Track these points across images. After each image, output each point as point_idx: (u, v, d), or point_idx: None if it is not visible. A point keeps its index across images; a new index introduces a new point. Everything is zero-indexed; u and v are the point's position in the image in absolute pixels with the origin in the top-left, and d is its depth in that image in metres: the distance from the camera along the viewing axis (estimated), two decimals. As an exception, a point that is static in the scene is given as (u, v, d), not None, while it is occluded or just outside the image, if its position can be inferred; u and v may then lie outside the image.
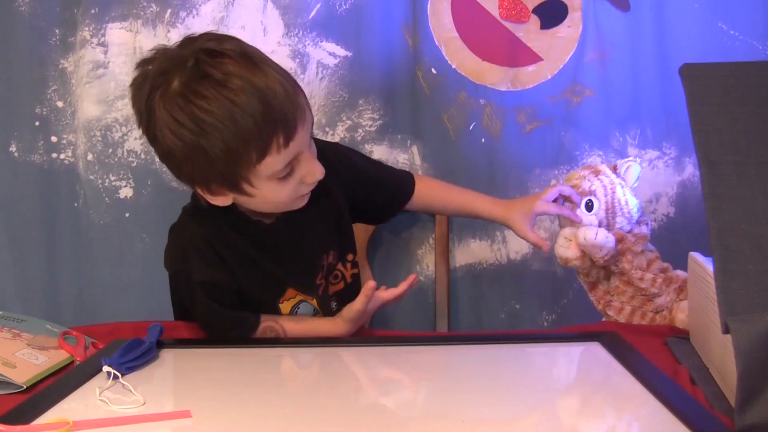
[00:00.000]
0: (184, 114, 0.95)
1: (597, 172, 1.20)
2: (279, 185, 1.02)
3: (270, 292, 1.15)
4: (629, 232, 1.19)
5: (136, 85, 1.02)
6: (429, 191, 1.32)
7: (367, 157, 1.38)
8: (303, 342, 1.09)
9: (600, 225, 1.19)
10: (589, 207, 1.19)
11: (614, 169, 1.22)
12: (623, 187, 1.20)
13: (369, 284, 1.08)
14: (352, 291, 1.17)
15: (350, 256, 1.23)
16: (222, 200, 1.05)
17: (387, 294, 1.11)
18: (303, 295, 1.16)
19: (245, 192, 1.02)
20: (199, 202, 1.10)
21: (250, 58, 0.96)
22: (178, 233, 1.14)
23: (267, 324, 1.12)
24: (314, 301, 1.18)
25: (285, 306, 1.16)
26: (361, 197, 1.24)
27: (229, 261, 1.10)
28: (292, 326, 1.13)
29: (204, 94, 0.94)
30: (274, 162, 0.98)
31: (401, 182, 1.30)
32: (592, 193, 1.19)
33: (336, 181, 1.17)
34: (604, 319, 1.23)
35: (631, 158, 1.26)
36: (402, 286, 1.12)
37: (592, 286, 1.23)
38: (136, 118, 1.04)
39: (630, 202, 1.20)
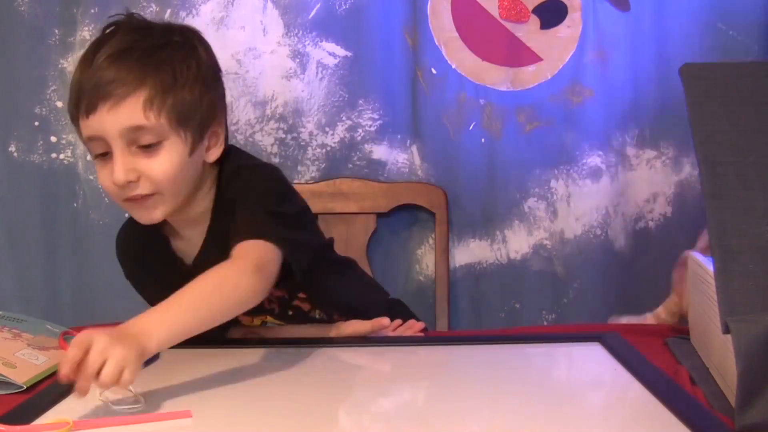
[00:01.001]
0: None
1: None
2: (99, 167, 0.98)
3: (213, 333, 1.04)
4: None
5: None
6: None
7: (255, 194, 1.03)
8: (303, 342, 1.09)
9: None
10: None
11: None
12: None
13: (382, 321, 1.08)
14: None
15: (302, 294, 1.14)
16: None
17: (362, 327, 1.10)
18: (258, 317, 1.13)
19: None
20: (130, 226, 1.10)
21: (109, 39, 0.97)
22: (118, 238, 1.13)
23: (251, 331, 1.12)
24: (270, 318, 1.15)
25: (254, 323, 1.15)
26: None
27: (148, 263, 1.08)
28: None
29: None
30: (82, 129, 0.97)
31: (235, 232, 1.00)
32: None
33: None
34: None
35: None
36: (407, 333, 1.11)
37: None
38: None
39: None
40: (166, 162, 0.96)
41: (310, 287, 1.12)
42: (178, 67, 0.97)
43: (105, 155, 0.96)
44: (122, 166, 0.94)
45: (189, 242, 1.07)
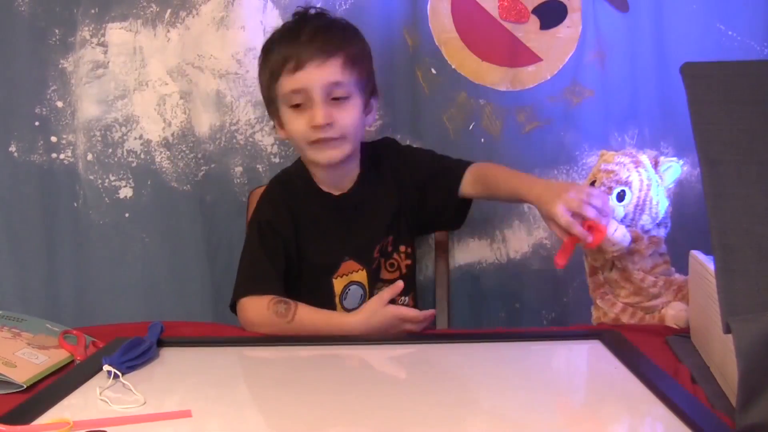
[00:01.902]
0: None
1: (637, 163, 1.18)
2: (293, 116, 1.24)
3: (328, 260, 1.28)
4: (647, 232, 1.18)
5: None
6: (481, 178, 1.33)
7: (420, 149, 1.44)
8: (303, 341, 1.09)
9: (625, 218, 1.17)
10: (621, 197, 1.17)
11: (655, 164, 1.19)
12: (658, 186, 1.18)
13: (398, 283, 1.15)
14: (405, 282, 1.19)
15: (403, 248, 1.35)
16: (283, 134, 1.31)
17: (408, 311, 1.12)
18: (358, 266, 1.29)
19: (281, 121, 1.28)
20: (294, 164, 1.36)
21: (304, 17, 1.30)
22: (262, 195, 1.34)
23: (283, 300, 1.15)
24: (365, 276, 1.29)
25: (338, 283, 1.28)
26: (420, 187, 1.35)
27: (298, 219, 1.28)
28: (305, 310, 1.14)
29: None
30: (284, 84, 1.23)
31: (451, 168, 1.35)
32: (627, 184, 1.17)
33: (393, 175, 1.35)
34: (592, 308, 1.23)
35: (674, 159, 1.22)
36: (421, 315, 1.12)
37: (593, 271, 1.22)
38: None
39: (660, 204, 1.18)
40: (352, 113, 1.25)
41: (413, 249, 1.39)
42: (361, 44, 1.30)
43: (298, 106, 1.24)
44: (323, 112, 1.22)
45: (339, 183, 1.33)
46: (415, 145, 1.53)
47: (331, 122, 1.22)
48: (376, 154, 1.36)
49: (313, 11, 1.31)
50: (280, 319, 1.12)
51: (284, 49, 1.24)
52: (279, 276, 1.23)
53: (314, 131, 1.23)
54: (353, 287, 1.30)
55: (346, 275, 1.29)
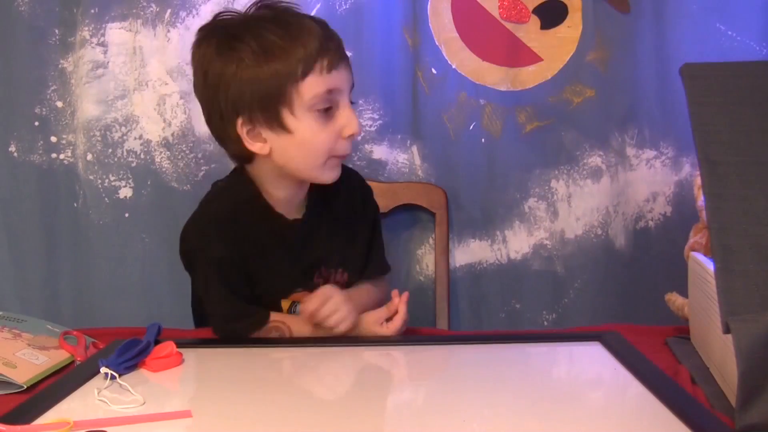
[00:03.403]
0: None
1: None
2: (318, 124, 1.07)
3: (279, 290, 1.16)
4: None
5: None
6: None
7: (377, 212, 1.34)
8: (303, 342, 1.09)
9: None
10: None
11: None
12: None
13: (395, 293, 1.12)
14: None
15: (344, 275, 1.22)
16: (260, 147, 1.09)
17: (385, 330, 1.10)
18: (307, 292, 1.15)
19: (286, 127, 1.07)
20: (231, 180, 1.19)
21: (287, 11, 1.13)
22: (204, 207, 1.17)
23: (274, 324, 1.12)
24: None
25: (285, 303, 1.17)
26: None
27: (248, 244, 1.12)
28: (299, 326, 1.12)
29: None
30: (316, 83, 1.06)
31: (375, 266, 1.27)
32: None
33: (362, 213, 1.26)
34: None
35: None
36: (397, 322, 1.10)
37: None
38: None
39: None
40: None
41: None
42: None
43: (328, 111, 1.08)
44: (357, 118, 1.10)
45: (290, 203, 1.17)
46: (414, 145, 1.53)
47: None
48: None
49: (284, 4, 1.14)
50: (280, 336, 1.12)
51: (312, 44, 1.06)
52: (249, 301, 1.14)
53: (344, 144, 1.09)
54: (299, 306, 1.18)
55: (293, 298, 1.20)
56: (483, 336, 1.16)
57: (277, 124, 1.07)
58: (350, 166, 1.52)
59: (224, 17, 1.12)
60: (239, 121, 1.08)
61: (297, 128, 1.07)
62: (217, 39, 1.09)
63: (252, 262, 1.13)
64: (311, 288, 1.14)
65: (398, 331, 1.09)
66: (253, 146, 1.09)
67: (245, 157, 1.13)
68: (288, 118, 1.07)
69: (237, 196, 1.15)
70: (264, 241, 1.14)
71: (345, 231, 1.22)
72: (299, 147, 1.08)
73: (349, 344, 1.07)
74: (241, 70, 1.06)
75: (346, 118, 1.08)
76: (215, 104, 1.10)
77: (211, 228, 1.13)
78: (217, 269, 1.11)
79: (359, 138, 1.13)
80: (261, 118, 1.07)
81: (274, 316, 1.13)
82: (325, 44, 1.07)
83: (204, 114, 1.15)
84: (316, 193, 1.19)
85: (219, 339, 1.11)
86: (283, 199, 1.16)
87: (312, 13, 1.50)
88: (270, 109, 1.06)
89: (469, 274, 1.54)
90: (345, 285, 1.21)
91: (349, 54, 1.48)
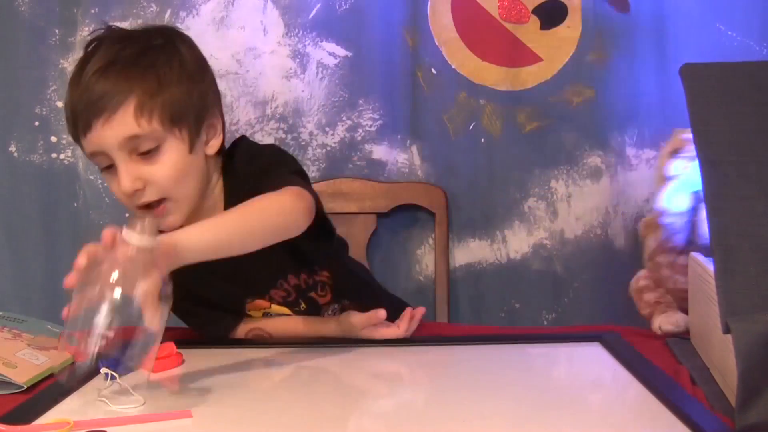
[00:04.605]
0: None
1: None
2: (109, 179, 1.02)
3: (231, 304, 1.13)
4: None
5: None
6: None
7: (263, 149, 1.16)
8: (303, 342, 1.09)
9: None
10: None
11: None
12: None
13: (380, 313, 1.05)
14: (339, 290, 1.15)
15: (324, 273, 1.15)
16: None
17: (387, 332, 1.06)
18: (266, 303, 1.13)
19: None
20: None
21: (93, 55, 1.00)
22: None
23: (253, 333, 1.13)
24: (284, 308, 1.14)
25: (255, 313, 1.15)
26: None
27: (183, 279, 0.91)
28: (274, 326, 1.13)
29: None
30: (83, 145, 1.00)
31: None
32: None
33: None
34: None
35: None
36: (403, 326, 1.06)
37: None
38: None
39: None
40: (168, 165, 0.98)
41: (335, 268, 1.14)
42: (161, 70, 0.99)
43: (111, 167, 0.99)
44: (127, 175, 0.97)
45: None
46: (414, 145, 1.53)
47: (143, 185, 0.97)
48: (234, 165, 1.08)
49: (106, 32, 1.04)
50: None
51: (70, 101, 0.99)
52: (219, 312, 1.12)
53: (129, 199, 0.99)
54: (274, 314, 1.15)
55: (259, 309, 1.15)
56: (483, 336, 1.15)
57: None
58: (350, 166, 1.52)
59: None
60: None
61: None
62: None
63: (197, 290, 1.08)
64: (264, 296, 1.12)
65: (394, 335, 1.07)
66: None
67: None
68: None
69: None
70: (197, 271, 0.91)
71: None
72: None
73: (350, 344, 1.07)
74: None
75: (116, 179, 0.99)
76: None
77: None
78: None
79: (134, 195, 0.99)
80: None
81: (249, 324, 1.13)
82: (78, 99, 0.98)
83: None
84: (232, 195, 1.07)
85: (214, 339, 1.12)
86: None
87: (312, 14, 1.50)
88: None
89: (468, 274, 1.54)
90: (312, 286, 1.14)
91: (349, 54, 1.50)
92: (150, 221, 0.78)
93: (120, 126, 0.96)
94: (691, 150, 1.11)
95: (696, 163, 1.07)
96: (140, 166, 0.97)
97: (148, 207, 0.99)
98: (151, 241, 0.78)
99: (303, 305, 1.15)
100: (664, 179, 1.14)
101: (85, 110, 0.97)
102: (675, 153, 1.17)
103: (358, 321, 1.06)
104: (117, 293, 0.75)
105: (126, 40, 1.01)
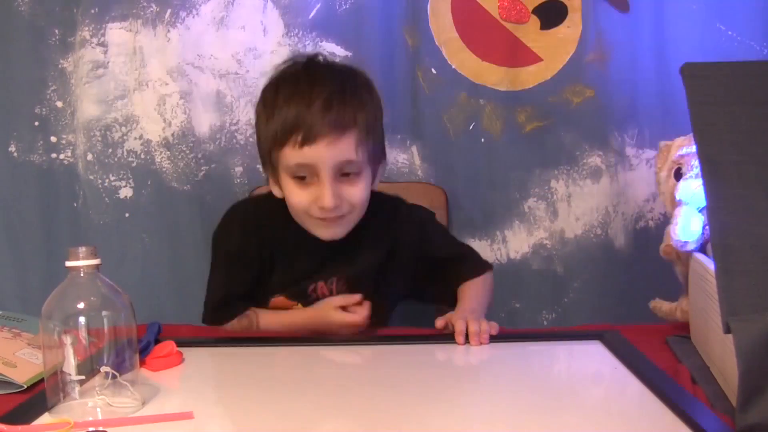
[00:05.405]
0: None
1: None
2: (296, 187, 1.11)
3: (275, 283, 1.20)
4: None
5: None
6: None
7: (447, 235, 1.36)
8: (304, 341, 1.09)
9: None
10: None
11: None
12: None
13: (355, 297, 1.15)
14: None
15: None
16: (277, 191, 1.16)
17: (348, 317, 1.13)
18: (290, 303, 1.20)
19: (278, 182, 1.14)
20: (256, 203, 1.27)
21: (315, 72, 1.14)
22: (236, 204, 1.25)
23: (244, 315, 1.17)
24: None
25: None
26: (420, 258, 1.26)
27: (267, 239, 1.18)
28: (264, 318, 1.18)
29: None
30: (289, 155, 1.08)
31: (461, 264, 1.29)
32: None
33: (386, 232, 1.23)
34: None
35: None
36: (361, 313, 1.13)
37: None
38: None
39: None
40: (363, 189, 1.13)
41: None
42: (375, 107, 1.16)
43: (303, 179, 1.10)
44: (332, 192, 1.09)
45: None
46: (414, 145, 1.53)
47: (340, 202, 1.11)
48: (374, 206, 1.20)
49: (321, 59, 1.18)
50: (249, 328, 1.17)
51: (292, 114, 1.08)
52: (244, 298, 1.19)
53: (320, 210, 1.11)
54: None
55: (281, 307, 1.22)
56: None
57: (273, 178, 1.15)
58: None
59: (282, 66, 1.18)
60: (264, 165, 1.18)
61: (283, 186, 1.14)
62: (266, 86, 1.16)
63: (267, 255, 1.19)
64: (304, 299, 1.20)
65: (362, 321, 1.13)
66: (273, 188, 1.17)
67: None
68: (280, 174, 1.13)
69: (267, 201, 1.20)
70: (283, 239, 1.18)
71: (375, 255, 1.22)
72: (287, 200, 1.14)
73: (350, 343, 1.07)
74: (259, 121, 1.15)
75: (319, 191, 1.10)
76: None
77: (234, 223, 1.21)
78: (225, 260, 1.20)
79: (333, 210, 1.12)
80: (269, 167, 1.15)
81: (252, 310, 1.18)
82: (306, 117, 1.08)
83: None
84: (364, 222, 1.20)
85: (208, 328, 1.16)
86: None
87: (312, 14, 1.50)
88: (268, 163, 1.14)
89: (469, 274, 1.54)
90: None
91: (349, 54, 1.50)
92: None
93: (341, 151, 1.08)
94: (693, 167, 1.10)
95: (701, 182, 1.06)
96: (341, 186, 1.10)
97: (328, 219, 1.12)
98: None
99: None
100: (674, 203, 1.11)
101: (315, 125, 1.07)
102: (678, 173, 1.14)
103: (336, 300, 1.15)
104: None
105: (347, 72, 1.16)
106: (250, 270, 1.19)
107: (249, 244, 1.18)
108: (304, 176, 1.10)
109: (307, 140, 1.07)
